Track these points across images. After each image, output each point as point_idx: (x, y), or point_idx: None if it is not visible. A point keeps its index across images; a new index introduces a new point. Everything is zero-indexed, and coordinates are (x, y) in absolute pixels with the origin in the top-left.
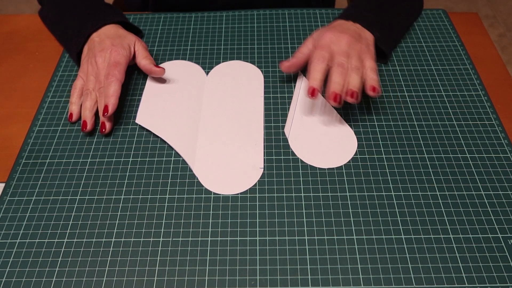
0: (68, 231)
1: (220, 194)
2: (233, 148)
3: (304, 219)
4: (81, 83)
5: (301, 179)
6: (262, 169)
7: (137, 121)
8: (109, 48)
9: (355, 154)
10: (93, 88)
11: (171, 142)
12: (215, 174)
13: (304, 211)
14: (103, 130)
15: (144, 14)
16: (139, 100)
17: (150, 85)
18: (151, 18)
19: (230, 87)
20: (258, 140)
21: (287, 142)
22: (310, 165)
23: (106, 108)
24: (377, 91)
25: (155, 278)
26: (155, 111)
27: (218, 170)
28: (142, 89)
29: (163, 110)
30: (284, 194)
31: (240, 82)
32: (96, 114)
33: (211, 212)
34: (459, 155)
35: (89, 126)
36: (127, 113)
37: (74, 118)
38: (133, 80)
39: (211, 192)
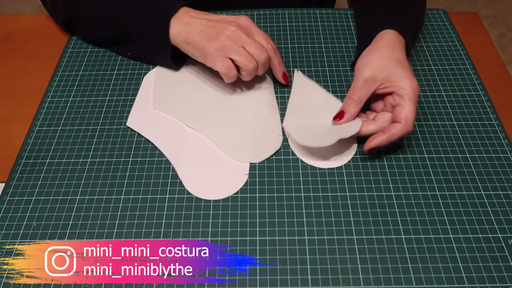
0: (68, 231)
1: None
2: (220, 153)
3: (304, 219)
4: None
5: (301, 179)
6: (247, 175)
7: (128, 124)
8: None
9: (355, 154)
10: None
11: (160, 146)
12: (198, 178)
13: (304, 211)
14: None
15: None
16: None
17: (144, 86)
18: None
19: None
20: None
21: (287, 142)
22: (310, 165)
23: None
24: None
25: None
26: (146, 114)
27: (202, 174)
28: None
29: (155, 113)
30: (284, 194)
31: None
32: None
33: (211, 212)
34: (459, 155)
35: None
36: (127, 113)
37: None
38: (133, 80)
39: None
